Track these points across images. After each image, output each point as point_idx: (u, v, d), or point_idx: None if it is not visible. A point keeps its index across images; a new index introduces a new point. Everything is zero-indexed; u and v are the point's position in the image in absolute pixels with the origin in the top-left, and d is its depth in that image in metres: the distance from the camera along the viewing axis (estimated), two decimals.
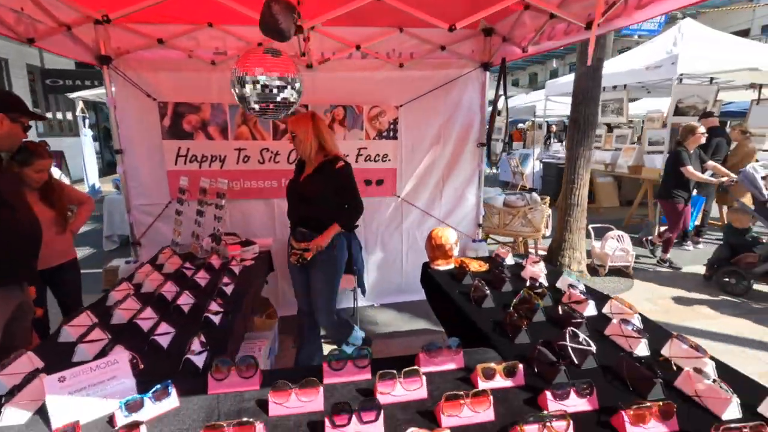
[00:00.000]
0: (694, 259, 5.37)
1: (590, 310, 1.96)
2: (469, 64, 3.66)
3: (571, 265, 4.75)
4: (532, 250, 4.92)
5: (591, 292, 2.16)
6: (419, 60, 3.57)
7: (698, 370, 1.32)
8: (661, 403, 1.18)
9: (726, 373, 1.41)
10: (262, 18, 1.65)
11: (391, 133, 3.69)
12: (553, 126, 15.59)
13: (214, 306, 2.01)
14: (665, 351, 1.53)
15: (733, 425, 1.06)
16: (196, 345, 1.62)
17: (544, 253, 5.03)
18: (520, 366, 1.41)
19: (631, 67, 6.65)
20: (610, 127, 8.33)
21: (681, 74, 5.72)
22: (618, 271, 4.85)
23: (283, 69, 1.83)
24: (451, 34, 2.66)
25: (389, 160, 3.74)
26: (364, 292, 3.71)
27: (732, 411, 1.19)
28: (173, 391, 1.33)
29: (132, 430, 1.13)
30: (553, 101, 9.60)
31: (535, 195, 4.73)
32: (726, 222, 5.15)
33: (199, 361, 1.58)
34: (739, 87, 7.21)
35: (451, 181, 3.92)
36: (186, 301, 2.09)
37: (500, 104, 3.49)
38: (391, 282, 4.06)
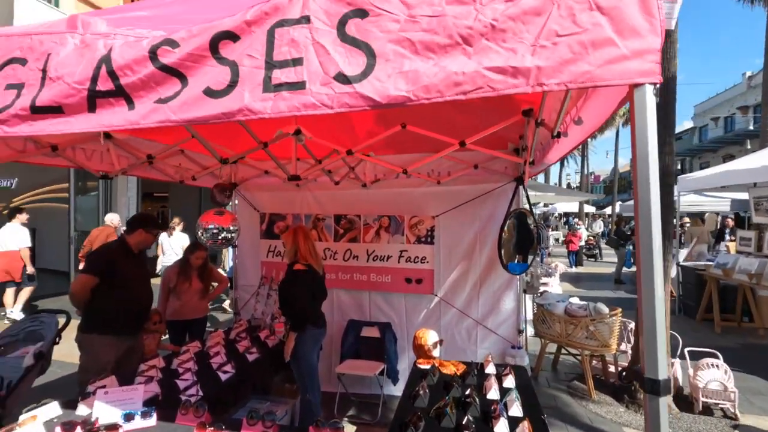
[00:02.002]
0: None
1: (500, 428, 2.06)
2: (502, 179, 4.04)
3: None
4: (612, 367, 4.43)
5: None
6: (455, 177, 4.13)
7: None
8: None
9: None
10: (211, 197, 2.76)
11: (429, 239, 4.22)
12: (729, 219, 12.99)
13: (228, 367, 2.84)
14: None
15: None
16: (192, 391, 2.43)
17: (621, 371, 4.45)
18: None
19: None
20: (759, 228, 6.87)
21: None
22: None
23: (224, 221, 2.98)
24: (483, 153, 3.20)
25: (427, 262, 4.23)
26: (395, 381, 4.08)
27: None
28: (155, 415, 2.13)
29: (112, 430, 1.96)
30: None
31: (600, 306, 4.41)
32: None
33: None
34: None
35: (488, 285, 4.12)
36: (222, 360, 2.98)
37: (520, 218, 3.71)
38: None
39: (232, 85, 1.16)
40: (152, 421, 2.13)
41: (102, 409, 2.14)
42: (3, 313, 6.76)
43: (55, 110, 1.29)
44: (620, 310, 4.44)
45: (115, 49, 1.25)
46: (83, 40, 1.31)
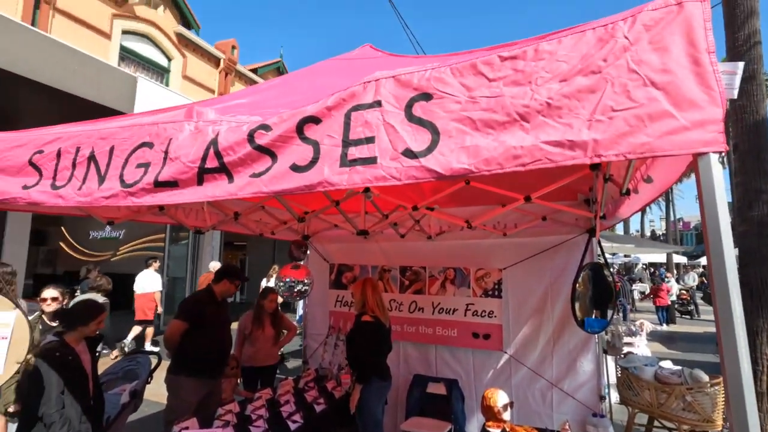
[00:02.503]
0: None
1: None
2: (573, 230, 3.89)
3: None
4: None
5: None
6: (522, 229, 4.06)
7: None
8: None
9: None
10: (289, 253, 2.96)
11: (496, 292, 4.12)
12: None
13: (297, 416, 2.92)
14: None
15: None
16: None
17: None
18: None
19: None
20: None
21: None
22: None
23: (299, 275, 3.08)
24: (552, 204, 3.19)
25: (495, 316, 4.10)
26: None
27: None
28: None
29: None
30: None
31: (698, 372, 3.89)
32: None
33: None
34: None
35: (562, 344, 3.87)
36: (291, 409, 3.08)
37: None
38: None
39: (314, 161, 1.34)
40: None
41: None
42: (122, 346, 7.63)
43: (172, 184, 1.56)
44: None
45: (221, 133, 1.51)
46: (197, 126, 1.60)
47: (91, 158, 1.78)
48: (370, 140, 1.28)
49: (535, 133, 1.07)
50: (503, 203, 4.01)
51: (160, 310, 7.91)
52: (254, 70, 14.33)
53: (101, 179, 1.72)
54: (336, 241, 4.86)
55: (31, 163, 1.91)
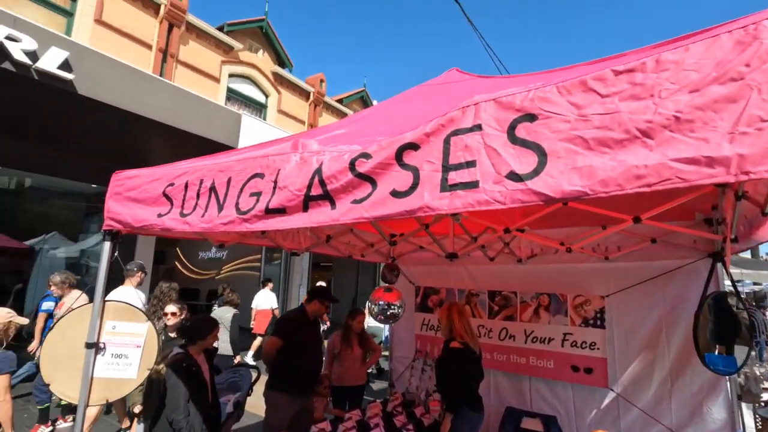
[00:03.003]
0: None
1: None
2: (691, 254, 3.43)
3: None
4: None
5: None
6: (628, 252, 3.68)
7: None
8: None
9: None
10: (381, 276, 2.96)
11: (599, 322, 3.75)
12: None
13: None
14: None
15: None
16: None
17: None
18: None
19: None
20: None
21: None
22: None
23: (391, 298, 3.06)
24: (664, 225, 2.89)
25: (597, 348, 3.72)
26: None
27: None
28: None
29: None
30: None
31: None
32: None
33: None
34: None
35: (682, 385, 3.37)
36: None
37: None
38: None
39: (414, 186, 1.36)
40: None
41: None
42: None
43: (280, 211, 1.69)
44: None
45: (325, 162, 1.61)
46: (302, 157, 1.72)
47: (212, 189, 2.00)
48: (471, 164, 1.26)
49: (662, 150, 0.97)
50: (604, 225, 3.69)
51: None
52: (340, 101, 15.20)
53: (220, 207, 1.92)
54: (421, 263, 4.85)
55: (164, 194, 2.21)
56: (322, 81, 14.08)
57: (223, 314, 5.52)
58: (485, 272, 4.41)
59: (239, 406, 3.75)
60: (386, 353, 8.45)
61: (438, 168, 1.33)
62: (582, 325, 3.82)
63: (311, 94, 13.71)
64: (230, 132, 6.81)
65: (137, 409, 3.66)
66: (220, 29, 11.10)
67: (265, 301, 8.92)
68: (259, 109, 12.34)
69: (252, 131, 7.08)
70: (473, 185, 1.24)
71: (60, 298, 4.96)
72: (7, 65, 4.54)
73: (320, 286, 3.78)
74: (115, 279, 2.91)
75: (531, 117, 1.19)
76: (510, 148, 1.21)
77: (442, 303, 4.62)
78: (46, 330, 4.89)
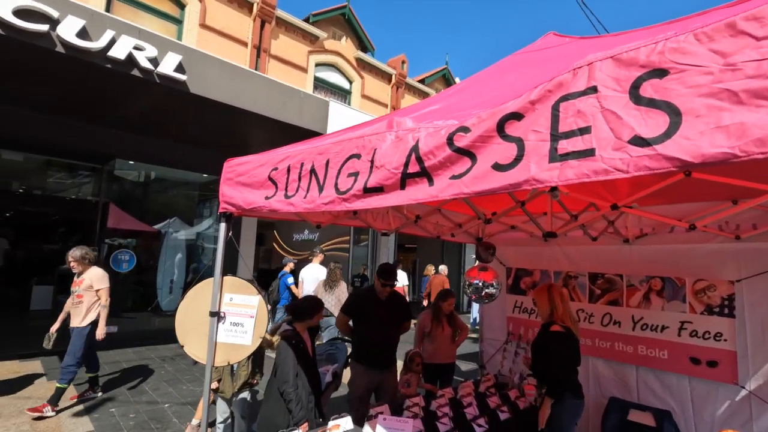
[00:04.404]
0: None
1: None
2: None
3: None
4: None
5: None
6: (765, 231, 3.14)
7: None
8: None
9: None
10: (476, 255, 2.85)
11: (727, 310, 3.28)
12: None
13: (481, 421, 2.88)
14: None
15: None
16: None
17: None
18: None
19: None
20: None
21: None
22: None
23: (487, 277, 2.92)
24: None
25: (724, 340, 3.27)
26: None
27: None
28: None
29: None
30: None
31: None
32: None
33: None
34: None
35: None
36: (475, 412, 3.07)
37: None
38: None
39: (519, 158, 1.29)
40: None
41: None
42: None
43: (378, 190, 1.72)
44: None
45: (421, 139, 1.59)
46: (397, 135, 1.73)
47: (312, 171, 2.11)
48: (584, 131, 1.16)
49: None
50: (735, 199, 3.19)
51: None
52: (422, 81, 15.01)
53: (321, 188, 2.02)
54: (513, 244, 4.66)
55: (269, 178, 2.39)
56: (403, 62, 14.00)
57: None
58: (585, 253, 4.10)
59: (337, 376, 4.01)
60: (474, 335, 8.38)
61: (546, 137, 1.24)
62: (705, 313, 3.38)
63: (393, 77, 13.72)
64: (319, 119, 7.12)
65: (214, 385, 3.53)
66: (306, 20, 11.55)
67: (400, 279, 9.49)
68: (343, 95, 12.70)
69: (338, 117, 7.32)
70: (588, 153, 1.14)
71: (80, 274, 4.72)
72: (135, 72, 5.22)
73: (382, 264, 3.83)
74: (228, 258, 3.22)
75: (660, 73, 1.04)
76: (633, 110, 1.08)
77: (535, 285, 4.42)
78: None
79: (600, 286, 3.97)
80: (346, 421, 2.79)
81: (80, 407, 4.71)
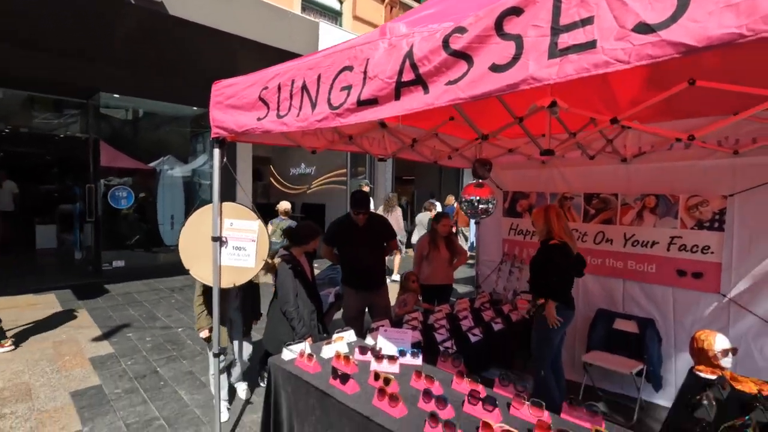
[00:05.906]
0: None
1: None
2: None
3: None
4: None
5: None
6: (764, 145, 3.12)
7: None
8: None
9: None
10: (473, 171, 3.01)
11: (716, 224, 3.37)
12: None
13: (476, 331, 3.07)
14: None
15: None
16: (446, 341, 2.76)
17: None
18: None
19: None
20: None
21: None
22: None
23: (483, 194, 3.03)
24: None
25: (711, 252, 3.39)
26: (657, 387, 3.53)
27: None
28: (421, 356, 2.54)
29: (392, 360, 2.44)
30: None
31: None
32: None
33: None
34: None
35: None
36: (470, 324, 3.27)
37: None
38: None
39: (517, 57, 1.24)
40: (419, 360, 2.54)
41: (383, 343, 2.69)
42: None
43: (372, 102, 1.67)
44: None
45: (415, 44, 1.52)
46: (390, 42, 1.64)
47: (303, 87, 2.03)
48: (587, 22, 1.10)
49: None
50: (736, 110, 3.12)
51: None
52: None
53: (313, 105, 1.96)
54: (509, 167, 4.65)
55: (260, 98, 2.30)
56: None
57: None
58: (581, 174, 4.11)
59: (339, 297, 4.21)
60: (471, 261, 8.64)
61: (546, 32, 1.17)
62: (695, 227, 3.47)
63: None
64: (309, 42, 6.74)
65: (204, 334, 3.21)
66: None
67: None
68: (334, 17, 11.89)
69: (330, 40, 6.92)
70: (589, 46, 1.09)
71: None
72: None
73: (353, 193, 3.85)
74: (226, 185, 3.14)
75: None
76: None
77: (531, 208, 4.48)
78: None
79: (595, 206, 4.02)
80: (350, 334, 2.98)
81: (98, 332, 5.00)
